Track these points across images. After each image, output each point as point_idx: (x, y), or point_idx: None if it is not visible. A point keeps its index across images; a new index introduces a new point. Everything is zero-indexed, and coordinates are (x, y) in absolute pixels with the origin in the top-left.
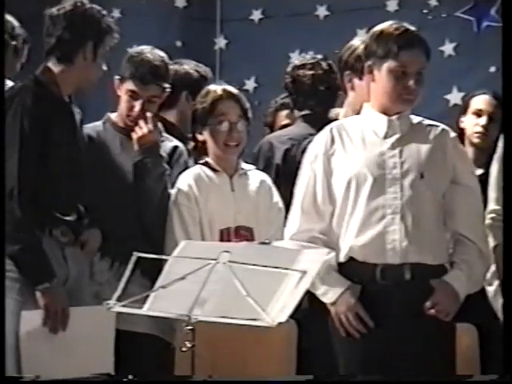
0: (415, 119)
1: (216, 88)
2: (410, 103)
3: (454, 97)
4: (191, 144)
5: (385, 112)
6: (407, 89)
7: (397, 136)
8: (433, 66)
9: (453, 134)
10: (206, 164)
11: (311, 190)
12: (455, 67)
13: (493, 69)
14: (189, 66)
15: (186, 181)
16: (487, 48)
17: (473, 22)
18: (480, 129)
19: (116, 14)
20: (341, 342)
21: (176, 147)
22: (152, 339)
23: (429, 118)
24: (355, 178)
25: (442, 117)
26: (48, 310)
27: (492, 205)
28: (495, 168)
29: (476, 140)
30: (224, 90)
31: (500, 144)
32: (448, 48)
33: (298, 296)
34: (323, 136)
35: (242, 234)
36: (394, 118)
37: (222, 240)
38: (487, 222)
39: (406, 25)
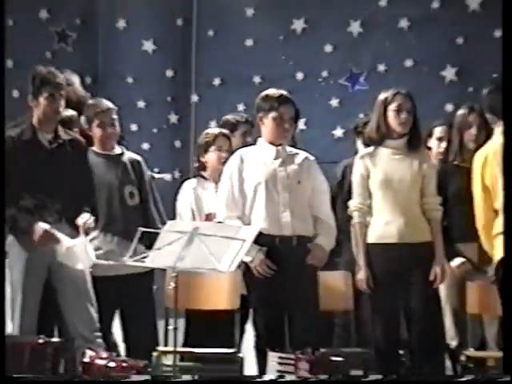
0: (288, 149)
1: (215, 130)
2: (286, 138)
3: (339, 132)
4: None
5: (272, 143)
6: (284, 130)
7: (281, 159)
8: (322, 115)
9: (312, 158)
10: (200, 175)
11: (230, 192)
12: (339, 115)
13: (361, 115)
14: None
15: (185, 186)
16: (358, 103)
17: (349, 86)
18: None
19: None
20: (254, 282)
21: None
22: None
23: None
24: (259, 184)
25: (327, 150)
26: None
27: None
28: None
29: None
30: (221, 131)
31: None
32: (334, 102)
33: (242, 255)
34: (236, 158)
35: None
36: (279, 148)
37: (207, 220)
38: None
39: (282, 91)
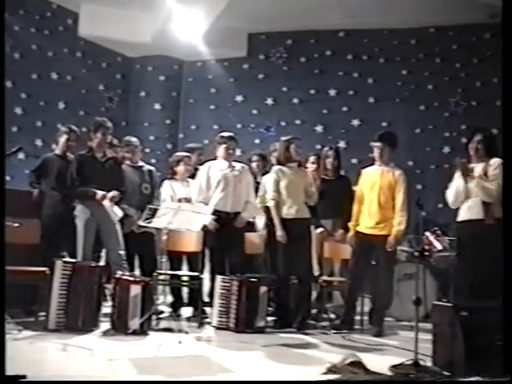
0: (233, 163)
1: (182, 153)
2: (232, 158)
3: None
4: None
5: (224, 159)
6: (230, 154)
7: (230, 168)
8: (250, 148)
9: (246, 167)
10: (173, 178)
11: (200, 185)
12: (260, 148)
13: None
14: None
15: (165, 183)
16: (270, 142)
17: (265, 133)
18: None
19: None
20: (209, 236)
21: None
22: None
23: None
24: (218, 180)
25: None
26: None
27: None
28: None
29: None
30: (186, 154)
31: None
32: (257, 141)
33: (203, 221)
34: (205, 166)
35: (187, 199)
36: (228, 162)
37: (179, 201)
38: (270, 203)
39: (229, 133)
